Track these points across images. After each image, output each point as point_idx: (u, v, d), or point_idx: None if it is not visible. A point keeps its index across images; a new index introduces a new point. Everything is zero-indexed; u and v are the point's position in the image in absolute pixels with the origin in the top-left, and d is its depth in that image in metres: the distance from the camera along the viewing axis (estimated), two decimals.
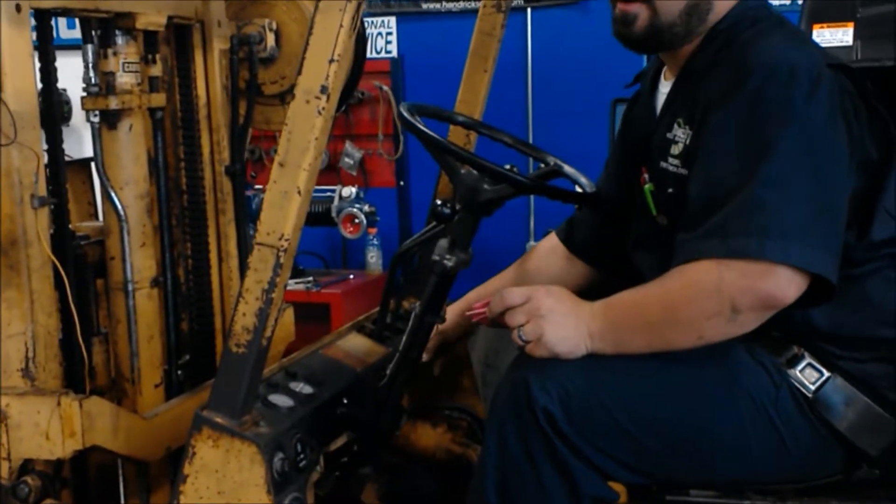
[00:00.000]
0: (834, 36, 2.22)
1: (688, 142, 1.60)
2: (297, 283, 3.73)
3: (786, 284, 1.44)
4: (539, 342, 1.53)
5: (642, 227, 1.74)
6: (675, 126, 1.64)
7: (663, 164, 1.65)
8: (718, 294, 1.45)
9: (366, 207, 3.84)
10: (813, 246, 1.44)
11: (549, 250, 2.07)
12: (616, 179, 1.91)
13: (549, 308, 1.54)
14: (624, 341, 1.52)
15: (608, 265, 1.97)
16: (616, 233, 1.88)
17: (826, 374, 1.55)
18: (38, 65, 1.76)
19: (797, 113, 1.48)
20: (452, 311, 2.01)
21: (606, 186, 1.93)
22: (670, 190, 1.63)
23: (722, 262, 1.45)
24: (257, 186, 3.88)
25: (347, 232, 3.83)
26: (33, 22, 1.75)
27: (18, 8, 1.65)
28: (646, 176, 1.70)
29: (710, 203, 1.49)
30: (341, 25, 1.43)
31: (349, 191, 3.88)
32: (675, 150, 1.63)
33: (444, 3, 4.13)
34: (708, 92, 1.57)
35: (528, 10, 3.95)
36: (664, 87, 1.75)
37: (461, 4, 4.10)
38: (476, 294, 2.06)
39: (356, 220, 3.81)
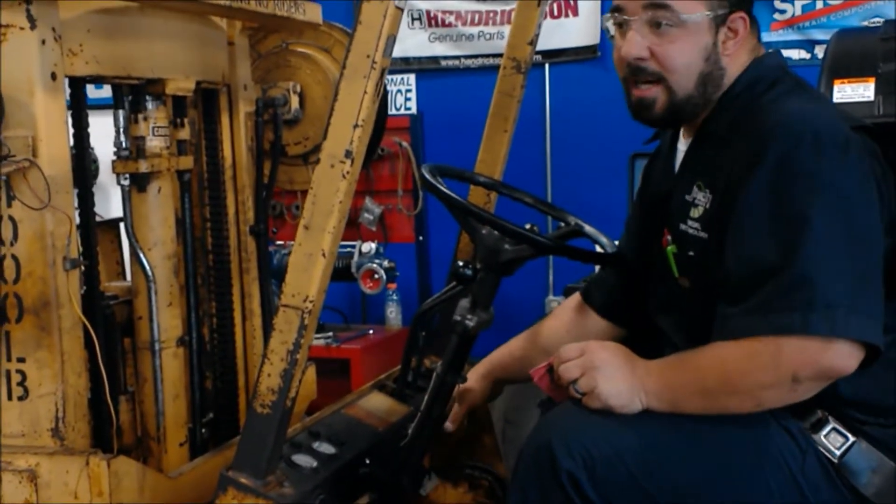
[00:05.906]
0: (855, 91, 2.21)
1: (708, 206, 1.61)
2: (316, 338, 3.73)
3: (847, 355, 1.45)
4: (592, 394, 1.54)
5: (664, 288, 1.75)
6: (695, 189, 1.64)
7: (682, 227, 1.65)
8: (776, 368, 1.46)
9: (385, 263, 3.85)
10: (860, 315, 1.45)
11: (565, 309, 2.06)
12: (637, 239, 1.91)
13: (602, 360, 1.55)
14: (680, 403, 1.53)
15: (625, 321, 1.97)
16: (633, 290, 1.88)
17: (851, 438, 1.54)
18: (71, 130, 1.82)
19: (829, 182, 1.48)
20: (475, 374, 2.02)
21: (628, 246, 1.94)
22: (691, 253, 1.64)
23: (778, 337, 1.45)
24: (279, 242, 3.91)
25: (367, 287, 3.84)
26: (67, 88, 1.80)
27: (53, 76, 1.70)
28: (668, 237, 1.70)
29: (753, 279, 1.49)
30: (365, 92, 1.48)
31: (369, 246, 3.90)
32: (695, 213, 1.63)
33: (462, 61, 4.20)
34: (731, 160, 1.57)
35: (546, 65, 4.00)
36: (682, 145, 1.76)
37: (479, 61, 4.17)
38: (499, 354, 2.06)
39: (376, 276, 3.82)
